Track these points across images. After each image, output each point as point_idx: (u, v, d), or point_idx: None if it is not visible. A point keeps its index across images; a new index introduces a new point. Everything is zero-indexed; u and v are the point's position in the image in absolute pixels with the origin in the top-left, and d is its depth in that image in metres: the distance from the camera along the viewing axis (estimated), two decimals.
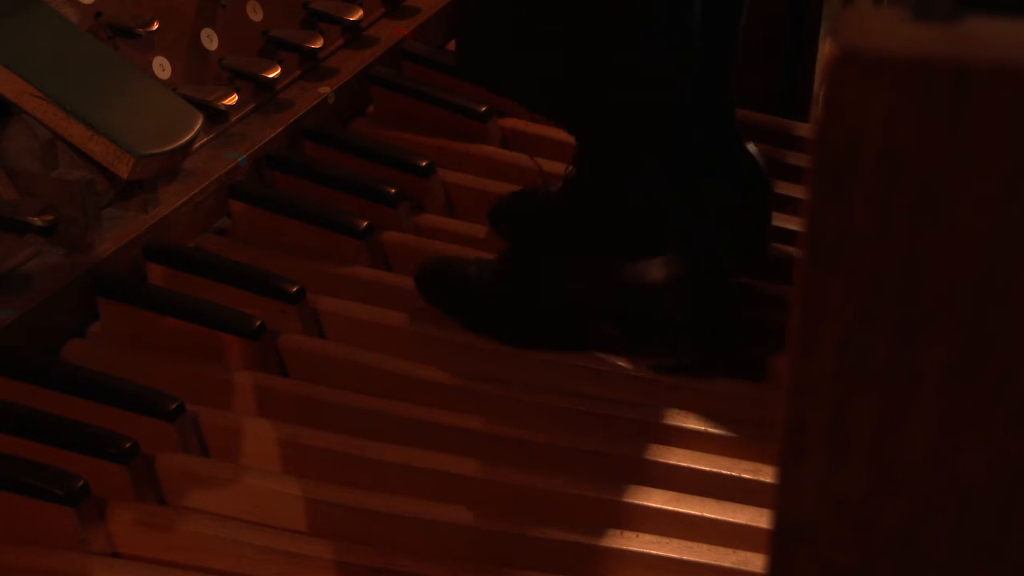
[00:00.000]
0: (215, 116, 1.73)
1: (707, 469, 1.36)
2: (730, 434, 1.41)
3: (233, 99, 1.74)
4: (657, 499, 1.31)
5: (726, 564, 1.24)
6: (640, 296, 1.47)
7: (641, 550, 1.25)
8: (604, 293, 1.48)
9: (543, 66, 1.45)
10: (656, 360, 1.49)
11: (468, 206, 1.78)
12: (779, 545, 0.56)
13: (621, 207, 1.48)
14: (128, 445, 1.28)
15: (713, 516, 1.29)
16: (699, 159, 1.53)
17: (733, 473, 1.35)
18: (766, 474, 1.34)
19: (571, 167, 1.52)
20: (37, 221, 1.43)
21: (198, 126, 1.59)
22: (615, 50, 1.42)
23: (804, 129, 2.05)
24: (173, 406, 1.34)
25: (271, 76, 1.80)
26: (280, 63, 1.83)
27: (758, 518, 1.29)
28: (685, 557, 1.25)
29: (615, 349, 1.50)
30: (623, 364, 1.49)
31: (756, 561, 1.24)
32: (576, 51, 1.42)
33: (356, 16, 1.97)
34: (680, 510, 1.30)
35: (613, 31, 1.41)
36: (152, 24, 1.67)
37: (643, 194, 1.47)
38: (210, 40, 1.79)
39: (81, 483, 1.23)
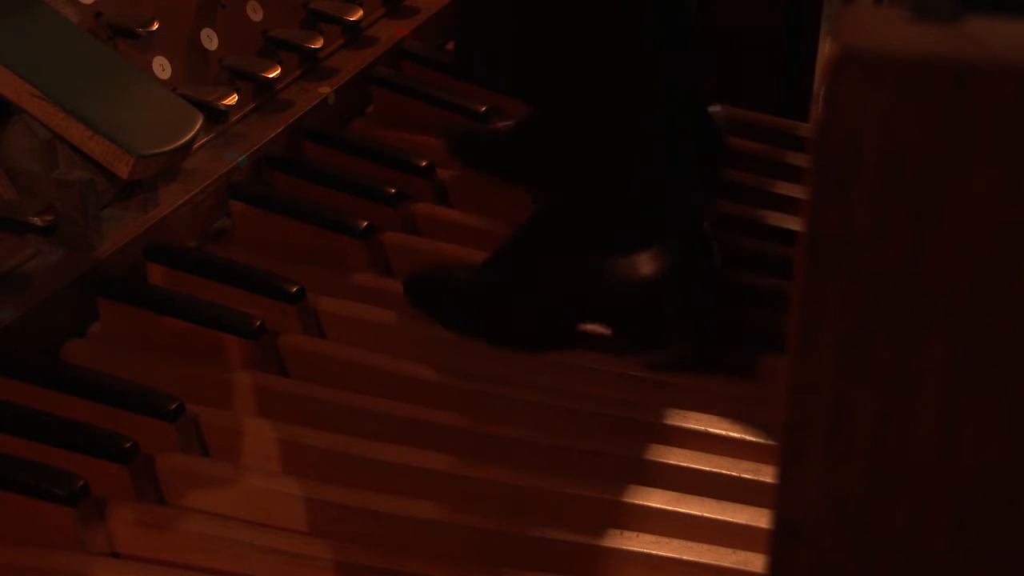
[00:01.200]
0: (215, 116, 1.73)
1: (707, 469, 1.36)
2: (730, 434, 1.41)
3: (233, 99, 1.74)
4: (657, 499, 1.31)
5: (726, 564, 1.24)
6: (631, 292, 1.47)
7: (641, 550, 1.25)
8: (595, 291, 1.48)
9: (543, 58, 1.46)
10: (650, 356, 1.49)
11: (468, 205, 1.78)
12: (779, 545, 0.56)
13: (614, 203, 1.48)
14: (128, 445, 1.28)
15: (713, 516, 1.29)
16: (687, 148, 1.54)
17: (733, 473, 1.35)
18: (766, 474, 1.34)
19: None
20: (37, 221, 1.43)
21: (198, 126, 1.59)
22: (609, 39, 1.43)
23: (804, 129, 2.05)
24: (173, 406, 1.34)
25: (271, 76, 1.80)
26: (280, 63, 1.83)
27: (758, 518, 1.29)
28: (685, 557, 1.25)
29: (607, 347, 1.50)
30: (615, 362, 1.48)
31: (756, 561, 1.24)
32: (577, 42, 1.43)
33: (356, 16, 1.97)
34: (680, 510, 1.30)
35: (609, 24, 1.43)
36: (152, 24, 1.67)
37: (638, 189, 1.48)
38: (210, 40, 1.79)
39: (81, 483, 1.23)
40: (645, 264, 1.46)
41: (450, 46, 2.11)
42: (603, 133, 1.48)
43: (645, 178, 1.48)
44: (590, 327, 1.51)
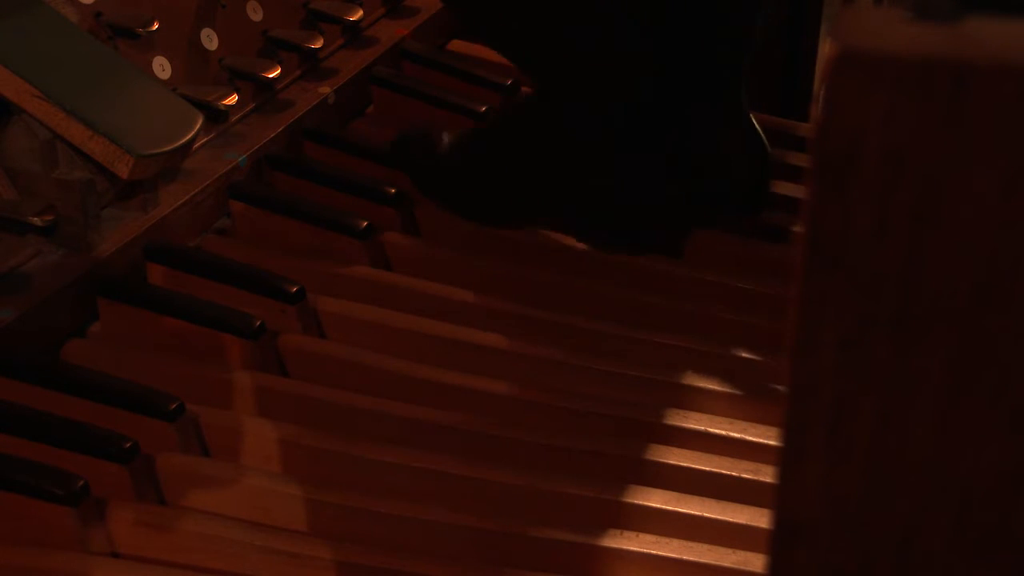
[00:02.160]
0: (215, 116, 1.73)
1: (707, 469, 1.36)
2: (730, 434, 1.41)
3: (233, 99, 1.74)
4: (657, 499, 1.31)
5: (726, 564, 1.24)
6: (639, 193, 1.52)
7: (641, 550, 1.25)
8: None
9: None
10: (628, 247, 1.55)
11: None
12: (779, 545, 0.56)
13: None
14: (128, 445, 1.28)
15: (713, 516, 1.29)
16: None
17: (733, 473, 1.35)
18: (766, 474, 1.34)
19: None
20: (37, 221, 1.43)
21: (198, 126, 1.59)
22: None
23: (804, 129, 2.05)
24: (173, 406, 1.34)
25: (271, 76, 1.80)
26: (280, 63, 1.83)
27: (758, 518, 1.29)
28: (685, 557, 1.25)
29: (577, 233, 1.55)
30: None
31: (756, 561, 1.24)
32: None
33: (356, 16, 1.97)
34: (680, 510, 1.30)
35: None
36: (152, 24, 1.67)
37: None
38: (210, 40, 1.79)
39: (81, 483, 1.23)
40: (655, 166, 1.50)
41: (451, 46, 2.11)
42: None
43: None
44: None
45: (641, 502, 1.30)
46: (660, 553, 1.25)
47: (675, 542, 1.26)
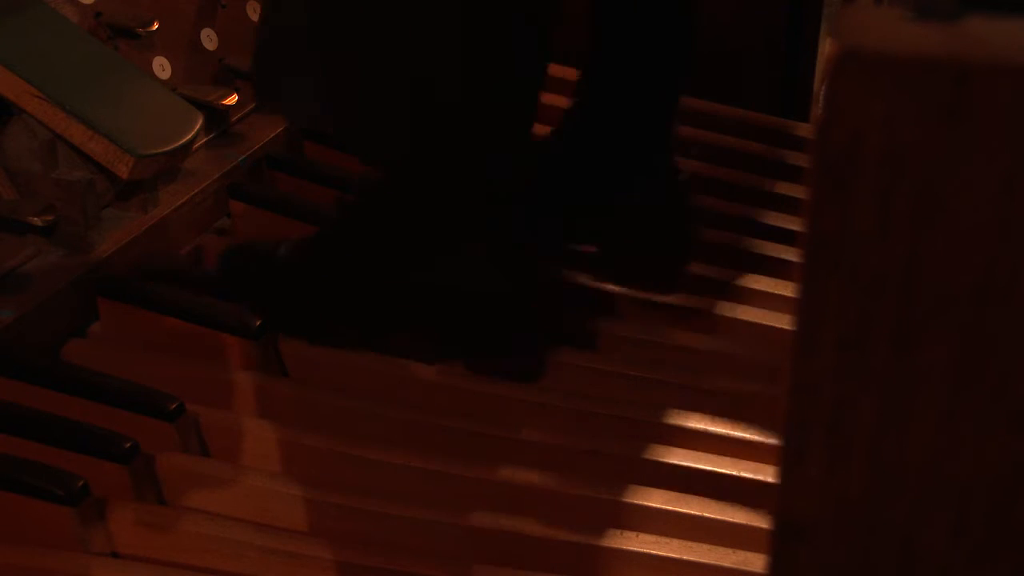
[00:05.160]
0: (215, 116, 1.73)
1: (707, 469, 1.36)
2: (730, 434, 1.41)
3: (233, 99, 1.74)
4: (657, 499, 1.31)
5: (726, 564, 1.24)
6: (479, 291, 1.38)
7: (641, 550, 1.25)
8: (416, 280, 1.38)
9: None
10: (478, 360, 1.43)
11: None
12: (779, 545, 0.56)
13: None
14: (128, 445, 1.28)
15: (713, 516, 1.29)
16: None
17: (733, 473, 1.35)
18: (766, 474, 1.34)
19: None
20: (37, 221, 1.43)
21: (198, 126, 1.59)
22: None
23: (804, 129, 2.05)
24: (173, 406, 1.34)
25: None
26: None
27: (758, 518, 1.29)
28: (685, 557, 1.25)
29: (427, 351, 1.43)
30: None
31: (756, 561, 1.24)
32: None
33: None
34: (680, 510, 1.30)
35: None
36: (152, 24, 1.67)
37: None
38: (210, 40, 1.79)
39: (81, 483, 1.23)
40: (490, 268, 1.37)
41: None
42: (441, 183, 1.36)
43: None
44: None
45: (641, 502, 1.30)
46: (660, 553, 1.25)
47: (675, 542, 1.26)
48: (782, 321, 1.59)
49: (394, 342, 1.41)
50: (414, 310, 1.41)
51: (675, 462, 1.36)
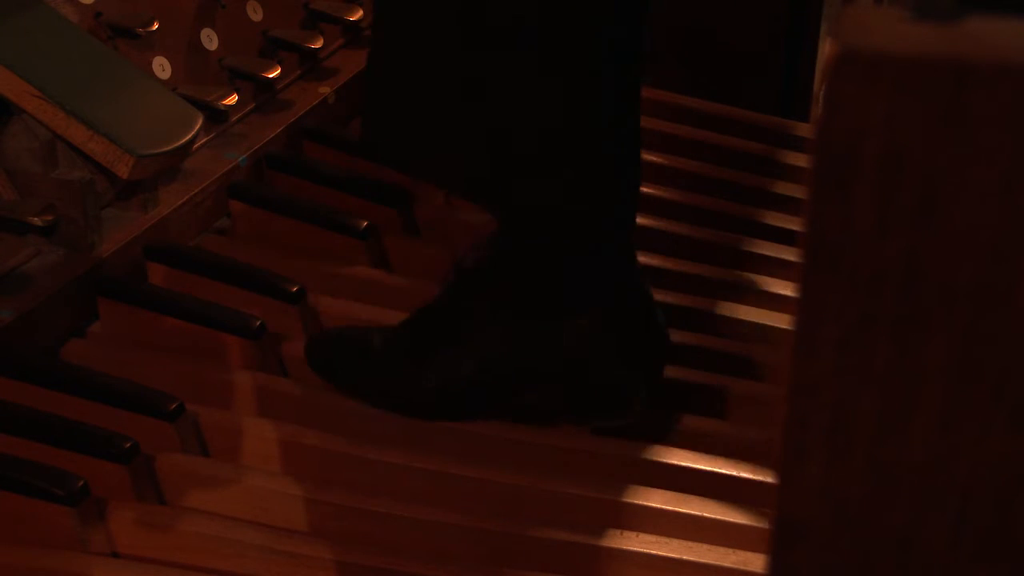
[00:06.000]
0: (215, 116, 1.73)
1: (707, 469, 1.35)
2: (731, 434, 1.40)
3: (233, 99, 1.74)
4: (657, 499, 1.31)
5: (726, 564, 1.24)
6: (567, 358, 1.34)
7: (641, 550, 1.25)
8: (528, 358, 1.35)
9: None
10: (596, 422, 1.39)
11: (472, 206, 1.78)
12: (779, 545, 0.56)
13: (545, 266, 1.34)
14: (128, 445, 1.28)
15: (713, 516, 1.29)
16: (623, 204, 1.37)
17: (733, 473, 1.35)
18: (766, 474, 1.34)
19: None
20: (37, 221, 1.43)
21: (198, 126, 1.59)
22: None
23: (804, 129, 2.05)
24: (173, 406, 1.34)
25: (271, 76, 1.80)
26: (280, 63, 1.83)
27: (758, 518, 1.29)
28: (685, 557, 1.25)
29: (543, 417, 1.38)
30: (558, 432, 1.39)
31: (756, 561, 1.24)
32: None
33: (356, 16, 1.97)
34: (680, 510, 1.30)
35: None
36: (152, 24, 1.67)
37: (574, 251, 1.33)
38: (210, 40, 1.79)
39: (81, 483, 1.23)
40: (571, 333, 1.32)
41: None
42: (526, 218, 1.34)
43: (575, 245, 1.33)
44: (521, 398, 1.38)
45: (641, 502, 1.30)
46: (660, 553, 1.25)
47: (675, 542, 1.26)
48: (782, 321, 1.59)
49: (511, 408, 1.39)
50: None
51: (675, 462, 1.36)
